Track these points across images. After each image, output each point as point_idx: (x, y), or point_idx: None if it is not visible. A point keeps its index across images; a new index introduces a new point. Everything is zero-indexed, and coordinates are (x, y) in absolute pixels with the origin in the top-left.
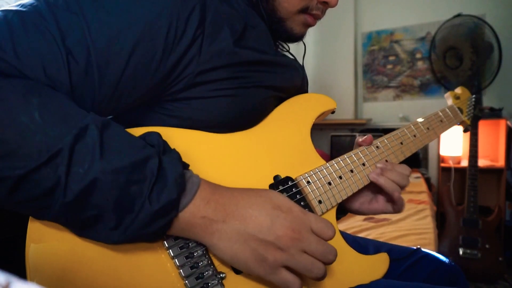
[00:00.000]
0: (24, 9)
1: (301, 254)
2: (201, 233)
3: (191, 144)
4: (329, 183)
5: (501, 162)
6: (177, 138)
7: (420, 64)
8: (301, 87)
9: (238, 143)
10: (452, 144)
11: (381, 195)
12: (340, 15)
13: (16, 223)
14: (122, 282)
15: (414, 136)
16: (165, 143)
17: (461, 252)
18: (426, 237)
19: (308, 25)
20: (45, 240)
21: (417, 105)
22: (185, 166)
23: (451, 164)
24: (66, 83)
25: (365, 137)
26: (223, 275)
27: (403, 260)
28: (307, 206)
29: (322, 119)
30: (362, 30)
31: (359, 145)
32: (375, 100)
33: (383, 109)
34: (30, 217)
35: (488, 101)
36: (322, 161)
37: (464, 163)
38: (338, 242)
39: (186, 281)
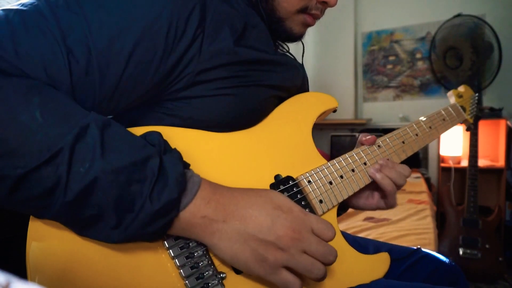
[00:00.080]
0: (25, 8)
1: (301, 255)
2: (201, 233)
3: (192, 144)
4: (330, 183)
5: (501, 162)
6: (178, 137)
7: (420, 64)
8: (301, 86)
9: (239, 143)
10: (452, 144)
11: (377, 192)
12: (340, 15)
13: (16, 223)
14: (122, 282)
15: (416, 135)
16: (166, 142)
17: (461, 252)
18: (426, 237)
19: (308, 25)
20: (45, 239)
21: (417, 105)
22: (186, 165)
23: (451, 164)
24: (66, 83)
25: (369, 137)
26: (224, 275)
27: (403, 260)
28: (308, 206)
29: (323, 118)
30: (362, 30)
31: (362, 143)
32: (375, 100)
33: (383, 109)
34: (31, 217)
35: (488, 101)
36: (324, 161)
37: (464, 163)
38: (338, 242)
39: (187, 281)
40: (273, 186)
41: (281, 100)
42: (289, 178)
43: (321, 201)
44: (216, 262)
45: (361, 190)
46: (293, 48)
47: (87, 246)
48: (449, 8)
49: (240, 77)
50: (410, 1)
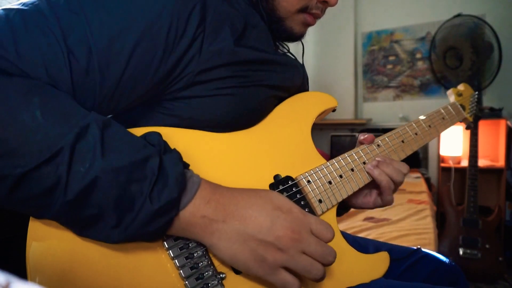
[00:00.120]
0: (25, 8)
1: (300, 255)
2: (201, 233)
3: (191, 144)
4: (330, 182)
5: (501, 162)
6: (177, 138)
7: (420, 64)
8: (301, 86)
9: (238, 143)
10: (452, 144)
11: (375, 189)
12: (340, 15)
13: (16, 223)
14: (122, 283)
15: (416, 134)
16: (165, 143)
17: (461, 252)
18: (426, 237)
19: (308, 25)
20: (45, 239)
21: (417, 105)
22: (186, 165)
23: (451, 164)
24: (67, 83)
25: (367, 135)
26: (223, 275)
27: (403, 260)
28: (307, 206)
29: (323, 117)
30: (362, 30)
31: (361, 143)
32: (375, 100)
33: (383, 109)
34: (31, 217)
35: (488, 101)
36: (323, 160)
37: (464, 163)
38: (338, 242)
39: (186, 282)
40: (272, 186)
41: (281, 100)
42: (288, 178)
43: (320, 201)
44: (216, 263)
45: (360, 189)
46: (293, 48)
47: (87, 246)
48: (449, 8)
49: (240, 77)
50: (410, 1)
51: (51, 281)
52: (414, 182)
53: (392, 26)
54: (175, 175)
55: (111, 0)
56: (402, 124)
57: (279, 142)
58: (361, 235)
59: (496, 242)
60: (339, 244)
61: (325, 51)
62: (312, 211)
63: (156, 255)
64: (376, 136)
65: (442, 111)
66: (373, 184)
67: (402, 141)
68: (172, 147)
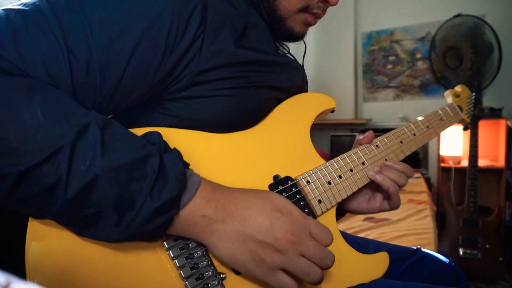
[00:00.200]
0: (26, 8)
1: (298, 257)
2: (201, 233)
3: (191, 144)
4: (329, 183)
5: (501, 162)
6: (177, 138)
7: (420, 64)
8: (301, 87)
9: (238, 143)
10: (452, 144)
11: (379, 193)
12: (340, 15)
13: (16, 223)
14: (122, 283)
15: (414, 134)
16: (165, 143)
17: (461, 252)
18: (426, 237)
19: (309, 24)
20: (45, 239)
21: (417, 105)
22: (186, 165)
23: (451, 164)
24: (67, 82)
25: (366, 134)
26: (223, 275)
27: (403, 260)
28: (307, 206)
29: (321, 118)
30: (362, 30)
31: (360, 143)
32: (375, 100)
33: (383, 109)
34: (30, 217)
35: (488, 101)
36: (322, 161)
37: (464, 163)
38: (338, 242)
39: (186, 282)
40: (272, 187)
41: (280, 101)
42: (287, 178)
43: (320, 201)
44: (216, 263)
45: (362, 194)
46: (294, 48)
47: (87, 246)
48: (449, 8)
49: (240, 78)
50: (410, 1)
51: (50, 281)
52: (414, 182)
53: (392, 26)
54: (176, 174)
55: (111, 0)
56: (402, 124)
57: (278, 143)
58: (361, 235)
59: (496, 242)
60: (339, 245)
61: (325, 51)
62: (311, 211)
63: (156, 255)
64: (376, 137)
65: (440, 112)
66: (374, 188)
67: (401, 142)
68: (172, 147)
